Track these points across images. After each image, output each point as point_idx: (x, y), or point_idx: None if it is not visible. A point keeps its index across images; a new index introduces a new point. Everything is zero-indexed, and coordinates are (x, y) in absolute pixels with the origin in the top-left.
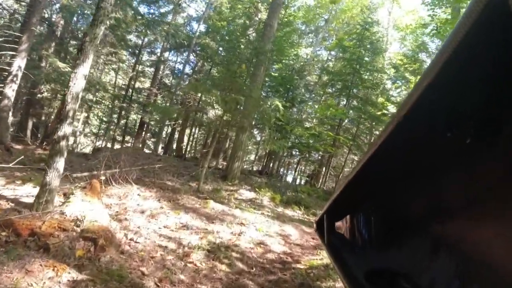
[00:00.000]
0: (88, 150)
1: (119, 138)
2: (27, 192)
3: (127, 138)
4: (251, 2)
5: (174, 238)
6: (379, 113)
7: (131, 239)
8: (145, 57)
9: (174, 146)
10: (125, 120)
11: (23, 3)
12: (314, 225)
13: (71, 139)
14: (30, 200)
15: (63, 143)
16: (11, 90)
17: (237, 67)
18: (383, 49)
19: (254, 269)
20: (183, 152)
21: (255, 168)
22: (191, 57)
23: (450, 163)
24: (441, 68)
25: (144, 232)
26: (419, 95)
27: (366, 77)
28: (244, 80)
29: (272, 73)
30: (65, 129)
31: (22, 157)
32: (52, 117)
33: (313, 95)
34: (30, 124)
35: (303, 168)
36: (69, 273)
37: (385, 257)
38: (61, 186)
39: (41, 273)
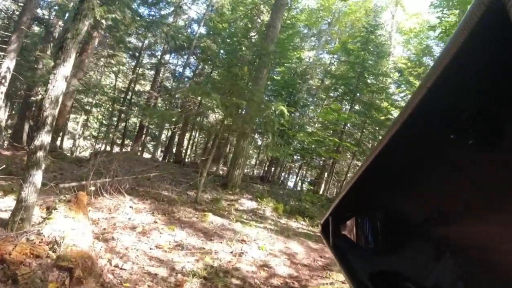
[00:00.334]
0: (87, 153)
1: (119, 141)
2: (7, 205)
3: (127, 141)
4: (254, 3)
5: (166, 261)
6: (383, 118)
7: (115, 266)
8: (145, 59)
9: (174, 150)
10: (124, 123)
11: (20, 4)
12: (320, 227)
13: (70, 142)
14: (8, 215)
15: (40, 153)
16: None
17: (238, 70)
18: (387, 52)
19: None
20: (183, 157)
21: (255, 172)
22: (192, 60)
23: (453, 165)
24: (443, 71)
25: (132, 255)
26: (421, 98)
27: (370, 81)
28: (246, 83)
29: (275, 77)
30: (43, 138)
31: (4, 166)
32: None
33: (315, 99)
34: (26, 127)
35: (304, 173)
36: None
37: (389, 259)
38: (45, 198)
39: None
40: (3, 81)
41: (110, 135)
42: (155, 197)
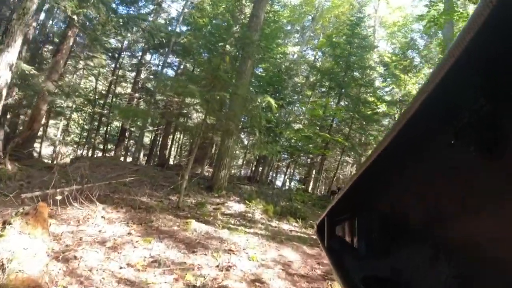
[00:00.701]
0: (69, 159)
1: (102, 146)
2: None
3: (110, 146)
4: None
5: (138, 283)
6: (370, 112)
7: None
8: (125, 60)
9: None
10: (105, 128)
11: None
12: (315, 227)
13: (50, 149)
14: None
15: None
16: None
17: (219, 60)
18: (372, 45)
19: None
20: (167, 159)
21: (243, 172)
22: (174, 58)
23: (452, 168)
24: (447, 73)
25: (96, 278)
26: (423, 100)
27: (357, 74)
28: (230, 77)
29: (259, 73)
30: None
31: None
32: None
33: (301, 96)
34: (1, 134)
35: (292, 171)
36: None
37: (384, 262)
38: (3, 211)
39: None
40: None
41: (92, 140)
42: (131, 205)
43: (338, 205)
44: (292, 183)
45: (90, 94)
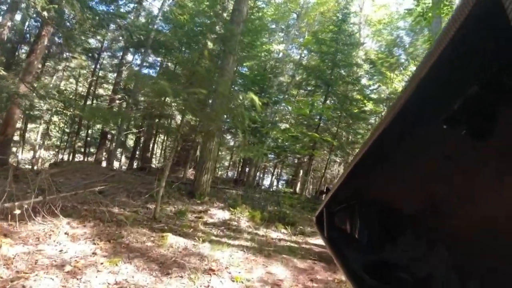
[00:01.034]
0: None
1: (83, 150)
2: None
3: (93, 149)
4: None
5: None
6: (356, 110)
7: None
8: (106, 61)
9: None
10: (86, 131)
11: None
12: (314, 219)
13: (30, 154)
14: None
15: None
16: None
17: (198, 55)
18: (359, 42)
19: None
20: (149, 163)
21: (230, 174)
22: (156, 58)
23: (446, 156)
24: (435, 61)
25: None
26: (414, 88)
27: (344, 72)
28: (211, 74)
29: (244, 72)
30: None
31: None
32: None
33: (287, 96)
34: None
35: (279, 171)
36: None
37: (383, 250)
38: None
39: None
40: None
41: (73, 143)
42: (100, 217)
43: (336, 196)
44: (280, 184)
45: (71, 96)
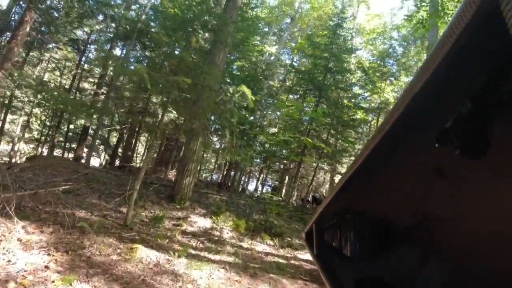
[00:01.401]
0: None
1: (65, 145)
2: None
3: (74, 145)
4: None
5: None
6: (346, 117)
7: None
8: (93, 54)
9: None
10: (67, 125)
11: None
12: (303, 235)
13: (9, 147)
14: None
15: None
16: None
17: (185, 42)
18: (353, 48)
19: None
20: (130, 162)
21: (214, 177)
22: (146, 53)
23: (436, 170)
24: (431, 75)
25: None
26: (406, 104)
27: (337, 78)
28: (199, 65)
29: (234, 73)
30: None
31: None
32: None
33: (276, 100)
34: None
35: (264, 176)
36: None
37: (374, 267)
38: None
39: None
40: None
41: (52, 138)
42: (62, 222)
43: (326, 211)
44: (265, 189)
45: (54, 88)
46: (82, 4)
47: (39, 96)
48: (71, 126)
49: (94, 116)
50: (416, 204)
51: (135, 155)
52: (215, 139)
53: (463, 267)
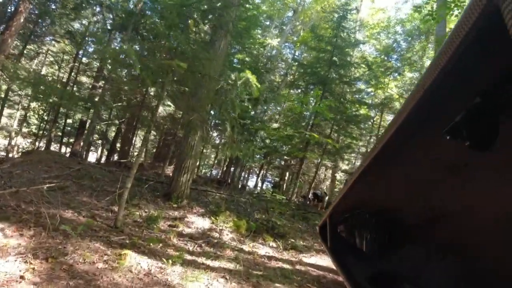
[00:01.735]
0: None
1: (65, 139)
2: None
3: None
4: None
5: None
6: (349, 112)
7: None
8: (91, 47)
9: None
10: (64, 119)
11: None
12: (317, 228)
13: (5, 142)
14: None
15: None
16: None
17: (179, 24)
18: (358, 41)
19: None
20: (127, 158)
21: (214, 173)
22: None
23: (448, 166)
24: (439, 73)
25: None
26: (417, 100)
27: (341, 72)
28: (197, 50)
29: (235, 66)
30: None
31: None
32: None
33: (277, 95)
34: None
35: (264, 172)
36: None
37: (387, 260)
38: None
39: None
40: None
41: (51, 133)
42: (44, 224)
43: (339, 206)
44: (264, 185)
45: (52, 82)
46: None
47: (30, 91)
48: (70, 121)
49: (91, 110)
50: (427, 200)
51: (133, 150)
52: (215, 134)
53: (472, 263)
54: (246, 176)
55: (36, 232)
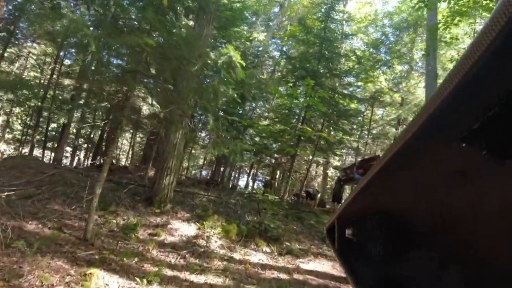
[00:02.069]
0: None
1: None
2: None
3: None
4: None
5: None
6: (341, 107)
7: None
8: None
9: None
10: (46, 123)
11: None
12: (325, 230)
13: None
14: None
15: None
16: None
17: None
18: (347, 33)
19: None
20: (111, 161)
21: (204, 173)
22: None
23: (463, 174)
24: (460, 81)
25: None
26: (435, 107)
27: (332, 65)
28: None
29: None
30: None
31: None
32: None
33: (265, 93)
34: None
35: (255, 171)
36: None
37: (396, 266)
38: None
39: None
40: None
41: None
42: (4, 239)
43: (349, 207)
44: (255, 184)
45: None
46: None
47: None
48: (54, 125)
49: (72, 112)
50: (438, 206)
51: (119, 152)
52: (203, 134)
53: (483, 271)
54: (236, 175)
55: None
